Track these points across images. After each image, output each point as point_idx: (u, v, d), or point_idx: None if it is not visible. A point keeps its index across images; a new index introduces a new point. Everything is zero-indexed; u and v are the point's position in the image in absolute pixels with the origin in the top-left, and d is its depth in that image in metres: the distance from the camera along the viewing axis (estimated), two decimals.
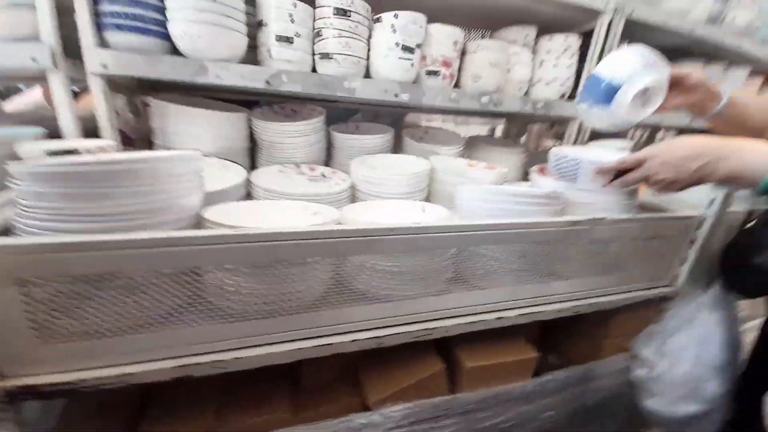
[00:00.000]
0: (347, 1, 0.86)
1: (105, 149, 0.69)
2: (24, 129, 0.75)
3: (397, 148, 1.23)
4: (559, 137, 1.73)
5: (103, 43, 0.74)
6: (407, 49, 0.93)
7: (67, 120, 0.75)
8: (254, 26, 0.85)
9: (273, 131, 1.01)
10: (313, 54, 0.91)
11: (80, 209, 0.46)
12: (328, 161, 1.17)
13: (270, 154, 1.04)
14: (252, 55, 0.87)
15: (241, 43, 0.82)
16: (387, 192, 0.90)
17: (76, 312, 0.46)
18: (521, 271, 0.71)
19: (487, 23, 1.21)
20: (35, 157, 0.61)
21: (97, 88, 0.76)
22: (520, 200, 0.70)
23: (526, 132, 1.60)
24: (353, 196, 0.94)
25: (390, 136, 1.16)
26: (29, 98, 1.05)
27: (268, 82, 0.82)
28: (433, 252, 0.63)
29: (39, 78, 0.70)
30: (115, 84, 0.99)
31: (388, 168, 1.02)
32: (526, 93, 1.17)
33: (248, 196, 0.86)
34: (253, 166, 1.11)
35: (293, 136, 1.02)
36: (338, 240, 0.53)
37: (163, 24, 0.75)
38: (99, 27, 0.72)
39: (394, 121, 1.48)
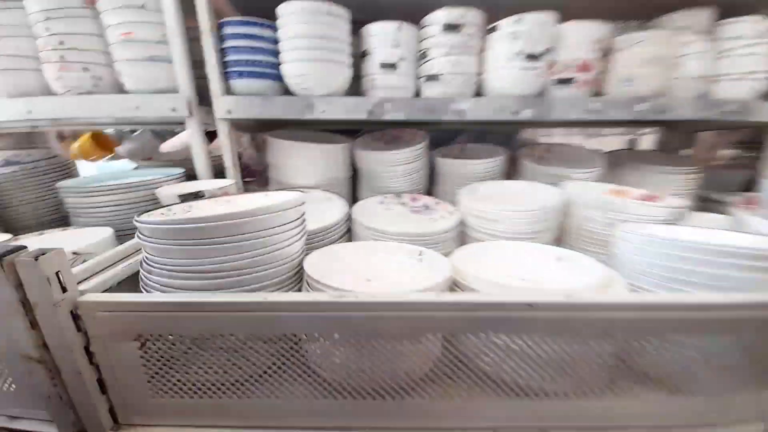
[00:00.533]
0: (458, 14, 0.75)
1: (227, 191, 0.72)
2: (168, 170, 0.85)
3: (511, 171, 1.05)
4: (746, 146, 1.25)
5: (228, 91, 0.80)
6: (532, 57, 0.77)
7: (200, 162, 0.82)
8: (358, 57, 0.81)
9: (373, 160, 0.96)
10: (418, 77, 0.82)
11: (189, 265, 0.45)
12: (431, 188, 1.06)
13: (371, 182, 0.99)
14: (356, 86, 0.83)
15: (346, 75, 0.78)
16: (504, 230, 0.74)
17: (183, 369, 0.44)
18: (744, 370, 0.45)
19: (641, 12, 0.94)
20: (169, 200, 0.67)
21: (223, 131, 0.82)
22: (746, 262, 0.45)
23: (693, 142, 1.20)
24: (461, 232, 0.81)
25: (501, 159, 0.99)
26: (181, 139, 1.24)
27: (370, 113, 0.77)
28: (595, 335, 0.44)
29: (179, 124, 0.78)
30: (239, 125, 1.10)
31: (503, 199, 0.85)
32: (704, 93, 0.86)
33: (349, 230, 0.81)
34: (354, 195, 1.08)
35: (393, 165, 0.94)
36: (457, 314, 0.40)
37: (277, 66, 0.77)
38: (225, 76, 0.78)
39: (506, 138, 1.29)
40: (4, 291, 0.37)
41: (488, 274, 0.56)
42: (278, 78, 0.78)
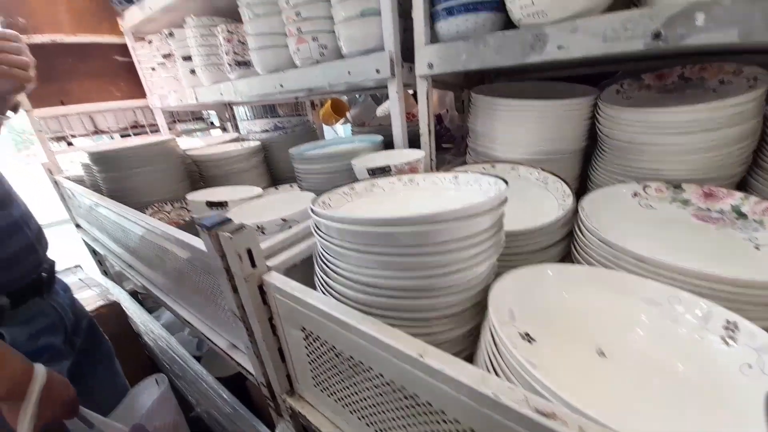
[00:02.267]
0: None
1: (415, 166, 0.63)
2: (372, 137, 0.84)
3: None
4: None
5: (433, 38, 0.65)
6: None
7: (396, 128, 0.76)
8: None
9: (635, 123, 0.59)
10: None
11: (343, 269, 0.37)
12: (749, 175, 0.58)
13: (623, 160, 0.63)
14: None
15: None
16: None
17: (335, 375, 0.40)
18: None
19: None
20: (361, 174, 0.63)
21: (421, 90, 0.70)
22: None
23: None
24: None
25: None
26: None
27: (658, 36, 0.43)
28: None
29: (382, 86, 0.73)
30: (446, 81, 0.96)
31: None
32: None
33: (570, 236, 0.55)
34: (584, 176, 0.75)
35: (679, 131, 0.55)
36: None
37: None
38: (432, 18, 0.64)
39: None
40: (215, 257, 0.42)
41: None
42: (499, 7, 0.56)
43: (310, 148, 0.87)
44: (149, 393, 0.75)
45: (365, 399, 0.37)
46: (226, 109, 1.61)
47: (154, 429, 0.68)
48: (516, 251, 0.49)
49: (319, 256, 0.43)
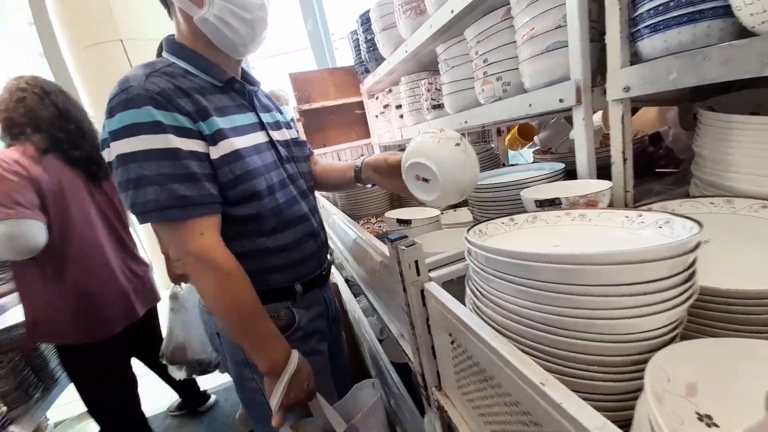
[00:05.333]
0: None
1: (594, 199, 0.58)
2: (549, 164, 0.81)
3: None
4: None
5: (633, 59, 0.59)
6: None
7: (582, 157, 0.71)
8: None
9: None
10: None
11: (492, 295, 0.42)
12: None
13: None
14: None
15: None
16: None
17: (473, 385, 0.45)
18: None
19: None
20: (528, 205, 0.64)
21: (615, 116, 0.63)
22: None
23: None
24: None
25: None
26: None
27: None
28: None
29: (567, 110, 0.70)
30: (662, 97, 0.78)
31: None
32: None
33: None
34: None
35: None
36: None
37: None
38: (632, 38, 0.58)
39: None
40: (394, 263, 0.56)
41: None
42: (727, 13, 0.45)
43: (485, 176, 0.93)
44: (365, 393, 0.85)
45: (496, 414, 0.40)
46: None
47: None
48: (743, 320, 0.38)
49: (470, 276, 0.50)
